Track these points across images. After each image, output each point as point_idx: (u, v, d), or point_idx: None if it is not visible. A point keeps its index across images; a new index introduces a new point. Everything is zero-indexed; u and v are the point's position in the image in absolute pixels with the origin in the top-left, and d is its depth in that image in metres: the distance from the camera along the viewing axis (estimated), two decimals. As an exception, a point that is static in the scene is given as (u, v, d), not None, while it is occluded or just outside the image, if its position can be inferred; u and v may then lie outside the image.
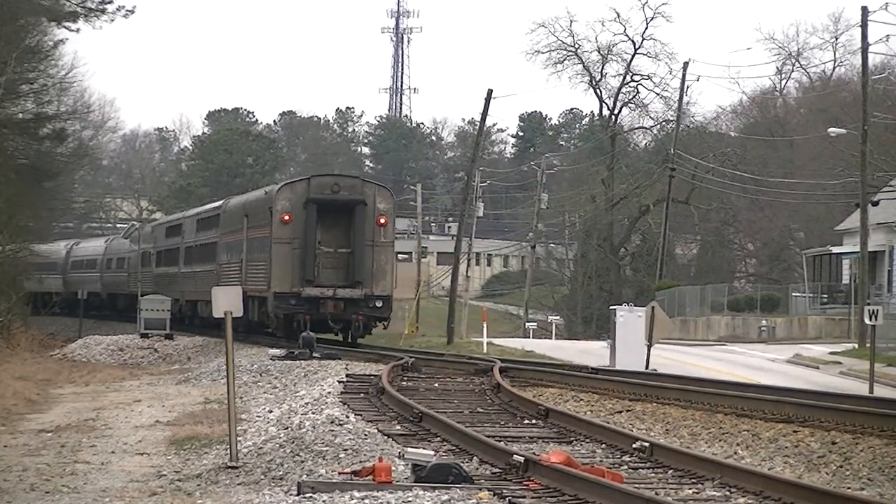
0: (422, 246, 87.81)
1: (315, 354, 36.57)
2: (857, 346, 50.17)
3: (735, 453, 19.04)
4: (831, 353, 48.44)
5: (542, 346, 54.29)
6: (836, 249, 69.53)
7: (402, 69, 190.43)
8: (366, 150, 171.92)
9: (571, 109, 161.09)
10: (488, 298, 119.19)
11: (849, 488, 15.96)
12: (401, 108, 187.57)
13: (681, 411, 23.24)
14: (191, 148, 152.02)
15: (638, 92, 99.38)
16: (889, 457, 17.78)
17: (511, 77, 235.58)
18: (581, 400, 26.15)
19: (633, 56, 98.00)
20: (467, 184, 65.01)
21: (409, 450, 16.48)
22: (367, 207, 41.84)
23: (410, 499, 14.32)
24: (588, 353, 46.23)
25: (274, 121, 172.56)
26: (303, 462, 17.92)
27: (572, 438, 19.97)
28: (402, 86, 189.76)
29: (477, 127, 70.71)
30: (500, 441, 18.45)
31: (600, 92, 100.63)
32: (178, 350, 51.13)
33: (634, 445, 17.95)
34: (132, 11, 57.82)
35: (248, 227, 46.15)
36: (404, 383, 28.51)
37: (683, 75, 79.92)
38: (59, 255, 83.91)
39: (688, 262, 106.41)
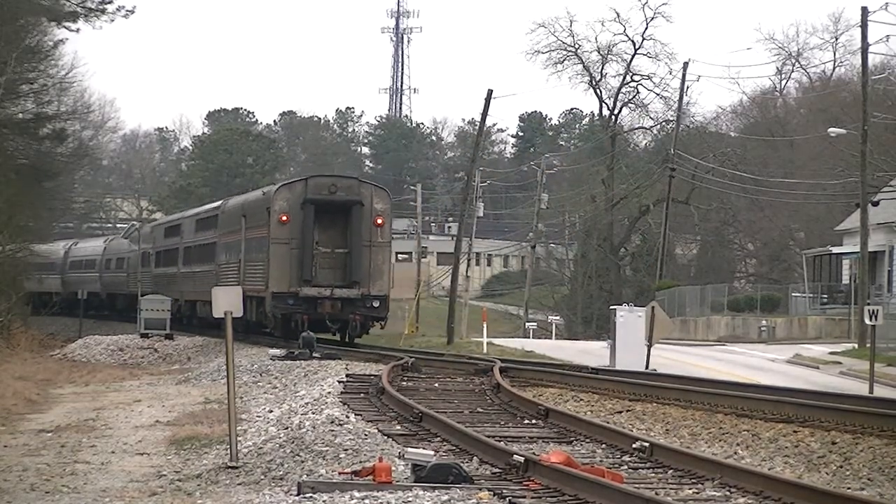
0: (422, 246, 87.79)
1: (315, 354, 36.59)
2: (857, 346, 50.16)
3: (735, 453, 19.03)
4: (831, 354, 48.43)
5: (542, 346, 54.28)
6: (836, 249, 69.49)
7: (402, 69, 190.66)
8: (366, 150, 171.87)
9: (571, 109, 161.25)
10: (488, 298, 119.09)
11: (849, 488, 15.95)
12: (401, 108, 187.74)
13: (681, 411, 23.23)
14: (191, 148, 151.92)
15: (638, 92, 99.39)
16: (889, 457, 17.77)
17: (511, 77, 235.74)
18: (581, 400, 26.15)
19: (633, 56, 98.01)
20: (467, 184, 64.97)
21: (409, 450, 16.48)
22: (364, 208, 41.94)
23: (410, 499, 14.31)
24: (588, 353, 46.22)
25: (274, 121, 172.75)
26: (303, 462, 17.91)
27: (572, 438, 19.96)
28: (402, 86, 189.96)
29: (477, 127, 70.71)
30: (500, 441, 18.44)
31: (600, 92, 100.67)
32: (178, 350, 51.13)
33: (634, 445, 17.95)
34: (132, 11, 57.95)
35: (246, 227, 46.18)
36: (404, 383, 28.51)
37: (683, 75, 79.98)
38: (57, 256, 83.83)
39: (688, 262, 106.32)
